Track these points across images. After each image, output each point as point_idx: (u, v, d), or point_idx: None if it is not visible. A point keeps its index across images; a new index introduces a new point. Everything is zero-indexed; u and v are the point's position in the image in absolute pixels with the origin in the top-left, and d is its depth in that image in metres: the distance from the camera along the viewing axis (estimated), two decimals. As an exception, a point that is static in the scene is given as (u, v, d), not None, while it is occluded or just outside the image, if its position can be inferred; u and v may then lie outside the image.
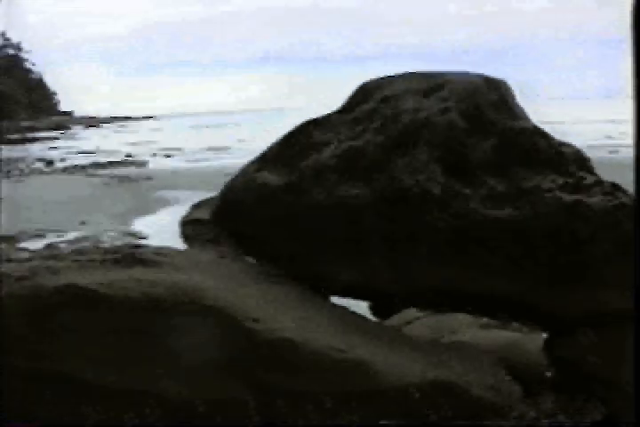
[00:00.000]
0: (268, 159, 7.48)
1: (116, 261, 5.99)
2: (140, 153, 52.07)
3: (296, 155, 7.27)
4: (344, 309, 6.68)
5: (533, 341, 7.59)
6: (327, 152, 7.04)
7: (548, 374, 8.25)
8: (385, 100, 7.23)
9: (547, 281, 6.42)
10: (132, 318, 5.47)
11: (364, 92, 7.54)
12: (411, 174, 6.55)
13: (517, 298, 6.49)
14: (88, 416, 5.30)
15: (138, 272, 5.80)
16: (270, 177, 7.22)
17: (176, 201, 25.73)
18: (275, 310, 5.79)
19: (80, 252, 6.40)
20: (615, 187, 6.60)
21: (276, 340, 5.45)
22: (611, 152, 33.73)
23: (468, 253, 6.43)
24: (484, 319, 9.81)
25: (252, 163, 7.60)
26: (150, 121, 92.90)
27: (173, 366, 5.39)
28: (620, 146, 34.65)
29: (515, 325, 9.77)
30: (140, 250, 6.24)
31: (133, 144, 60.61)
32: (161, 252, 6.31)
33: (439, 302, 6.84)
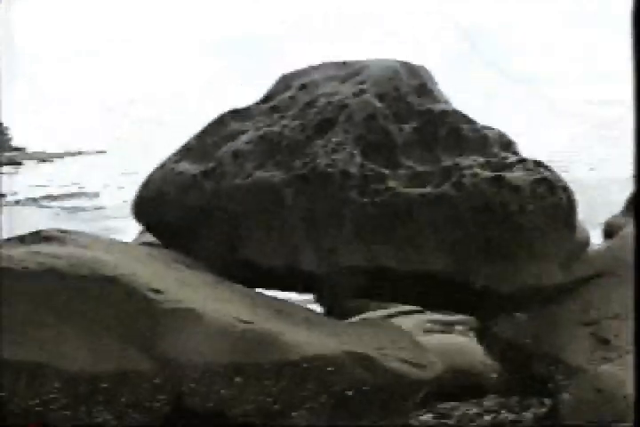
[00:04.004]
0: (186, 151, 7.43)
1: (21, 240, 5.88)
2: (92, 185, 51.88)
3: (214, 144, 7.22)
4: (260, 293, 6.57)
5: (478, 344, 7.54)
6: (244, 138, 6.99)
7: (494, 375, 8.22)
8: (303, 87, 7.24)
9: (478, 256, 6.38)
10: (29, 289, 5.33)
11: (284, 82, 7.53)
12: (327, 155, 6.50)
13: (449, 275, 6.41)
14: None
15: (39, 247, 5.69)
16: (189, 166, 7.15)
17: (126, 229, 25.59)
18: (180, 286, 5.68)
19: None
20: (538, 164, 6.61)
21: (178, 310, 5.32)
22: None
23: (394, 230, 6.37)
24: (427, 325, 9.79)
25: (172, 156, 7.51)
26: (102, 155, 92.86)
27: (70, 337, 5.23)
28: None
29: (459, 329, 9.76)
30: (46, 230, 6.12)
31: (85, 177, 60.26)
32: (68, 231, 6.21)
33: (368, 285, 6.72)
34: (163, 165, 7.46)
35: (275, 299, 6.42)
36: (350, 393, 5.46)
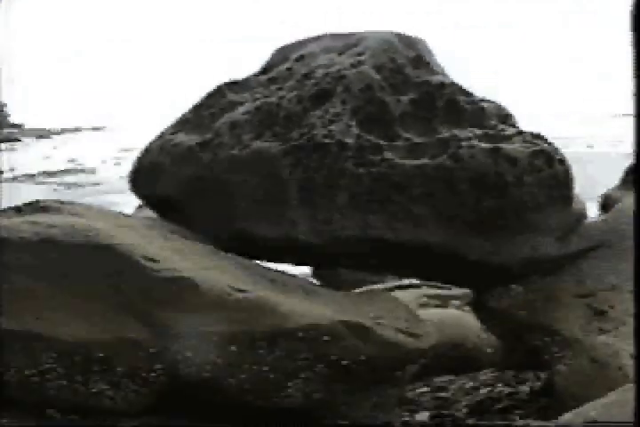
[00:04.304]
0: (183, 122, 7.39)
1: (17, 211, 5.88)
2: (89, 161, 51.83)
3: (211, 115, 7.19)
4: (256, 263, 6.57)
5: (474, 319, 7.54)
6: (241, 109, 6.96)
7: (489, 349, 8.23)
8: (300, 59, 7.19)
9: (473, 228, 6.38)
10: (25, 258, 5.33)
11: (281, 54, 7.48)
12: (324, 125, 6.49)
13: (444, 247, 6.41)
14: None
15: (36, 217, 5.68)
16: (186, 138, 7.13)
17: (122, 204, 25.60)
18: (176, 256, 5.67)
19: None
20: (536, 136, 6.60)
21: (174, 278, 5.32)
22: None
23: (390, 200, 6.36)
24: (424, 299, 9.80)
25: (169, 127, 7.48)
26: (100, 132, 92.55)
27: (65, 306, 5.23)
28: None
29: (455, 304, 9.77)
30: (43, 200, 6.12)
31: (81, 153, 60.19)
32: (65, 202, 6.22)
33: (363, 255, 6.71)
34: (159, 137, 7.43)
35: (270, 269, 6.42)
36: (346, 363, 5.45)
